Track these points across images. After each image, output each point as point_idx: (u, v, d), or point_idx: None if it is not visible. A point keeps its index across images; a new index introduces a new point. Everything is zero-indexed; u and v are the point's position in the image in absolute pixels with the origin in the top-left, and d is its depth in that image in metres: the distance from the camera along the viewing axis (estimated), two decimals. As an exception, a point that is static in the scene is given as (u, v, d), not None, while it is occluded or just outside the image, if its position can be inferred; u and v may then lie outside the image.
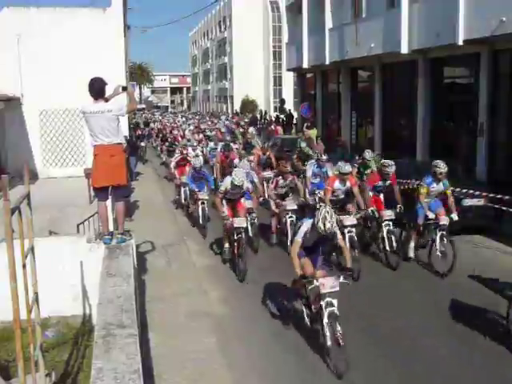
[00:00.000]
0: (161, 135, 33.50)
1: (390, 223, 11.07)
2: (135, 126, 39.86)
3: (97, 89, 7.60)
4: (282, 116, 42.00)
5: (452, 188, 12.80)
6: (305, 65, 30.11)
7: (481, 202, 13.07)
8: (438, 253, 10.50)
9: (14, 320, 4.34)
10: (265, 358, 7.44)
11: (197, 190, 14.51)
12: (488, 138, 17.42)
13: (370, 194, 11.67)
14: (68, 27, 17.15)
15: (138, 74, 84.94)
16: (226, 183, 11.20)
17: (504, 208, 12.84)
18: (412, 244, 11.32)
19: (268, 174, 16.34)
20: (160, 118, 60.98)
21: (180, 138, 28.46)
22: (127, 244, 7.85)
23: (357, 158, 15.91)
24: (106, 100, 7.68)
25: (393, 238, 11.03)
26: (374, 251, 11.71)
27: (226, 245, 11.41)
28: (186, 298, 9.66)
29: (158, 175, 25.04)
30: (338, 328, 6.92)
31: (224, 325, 8.60)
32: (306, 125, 26.60)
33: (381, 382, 6.87)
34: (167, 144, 28.44)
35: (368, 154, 13.77)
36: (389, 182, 11.65)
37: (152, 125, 45.90)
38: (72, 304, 8.39)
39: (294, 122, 37.92)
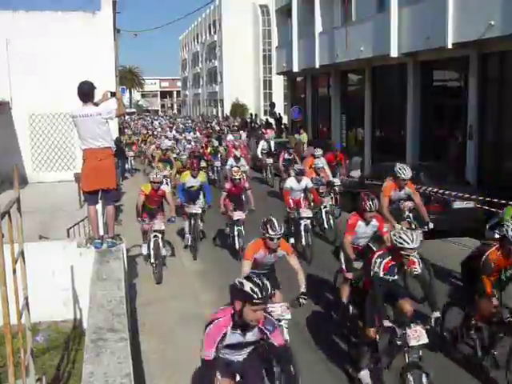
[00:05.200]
0: None
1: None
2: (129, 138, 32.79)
3: (86, 92, 7.60)
4: (271, 120, 41.96)
5: (442, 190, 12.90)
6: (295, 68, 30.14)
7: (470, 204, 13.12)
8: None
9: (5, 325, 4.32)
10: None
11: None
12: (477, 141, 17.51)
13: None
14: (57, 31, 17.08)
15: (128, 77, 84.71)
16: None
17: (493, 210, 12.89)
18: None
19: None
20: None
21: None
22: (117, 248, 7.84)
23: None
24: (96, 104, 7.68)
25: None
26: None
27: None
28: (176, 301, 9.65)
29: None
30: None
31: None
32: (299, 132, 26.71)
33: None
34: None
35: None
36: None
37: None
38: (63, 308, 8.37)
39: (285, 125, 37.90)
